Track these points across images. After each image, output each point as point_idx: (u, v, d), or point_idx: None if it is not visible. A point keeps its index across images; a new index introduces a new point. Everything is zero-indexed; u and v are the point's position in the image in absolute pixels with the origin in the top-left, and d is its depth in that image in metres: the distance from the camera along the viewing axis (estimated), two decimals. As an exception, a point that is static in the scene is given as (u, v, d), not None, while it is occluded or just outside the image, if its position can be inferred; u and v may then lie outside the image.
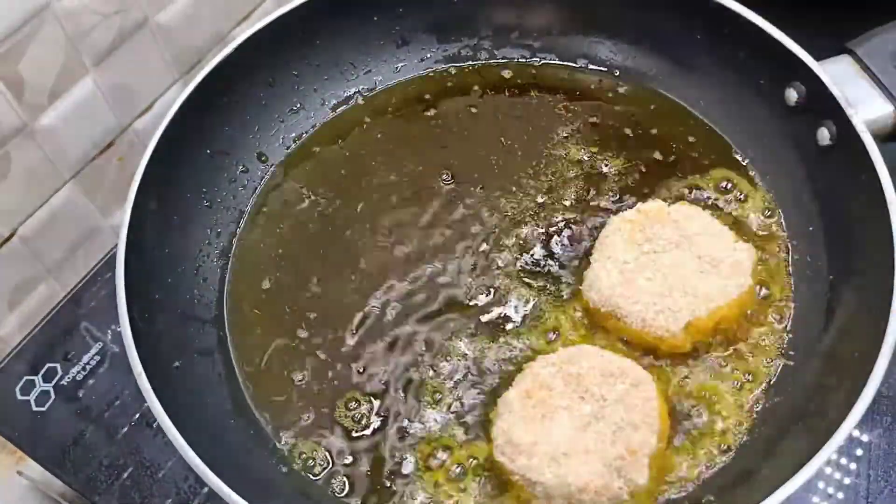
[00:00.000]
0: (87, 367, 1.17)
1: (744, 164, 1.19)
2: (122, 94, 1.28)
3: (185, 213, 1.16)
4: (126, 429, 1.12)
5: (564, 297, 1.09)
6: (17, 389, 1.15)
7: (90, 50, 1.19)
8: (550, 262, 1.13)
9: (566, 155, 1.23)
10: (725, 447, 0.98)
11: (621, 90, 1.29)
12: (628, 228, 1.07)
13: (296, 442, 1.02)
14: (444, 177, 1.22)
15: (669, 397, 1.00)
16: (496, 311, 1.09)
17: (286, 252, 1.18)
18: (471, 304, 1.10)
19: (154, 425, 1.10)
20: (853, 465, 1.06)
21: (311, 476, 1.00)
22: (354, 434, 1.03)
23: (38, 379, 1.16)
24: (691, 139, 1.22)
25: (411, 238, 1.17)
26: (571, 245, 1.14)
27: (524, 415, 0.95)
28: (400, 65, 1.33)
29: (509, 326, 1.08)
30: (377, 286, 1.13)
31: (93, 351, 1.18)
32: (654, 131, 1.24)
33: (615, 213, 1.13)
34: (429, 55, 1.33)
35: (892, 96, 1.05)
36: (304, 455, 1.01)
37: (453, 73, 1.33)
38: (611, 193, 1.19)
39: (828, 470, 1.06)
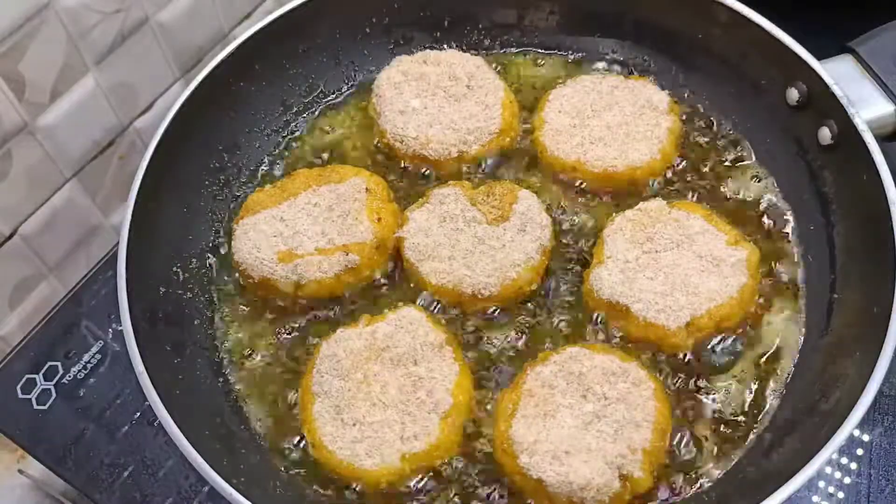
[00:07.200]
0: (88, 366, 1.17)
1: (745, 163, 1.19)
2: (122, 92, 1.28)
3: (187, 211, 1.16)
4: (127, 427, 1.13)
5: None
6: (19, 388, 1.15)
7: (91, 49, 1.19)
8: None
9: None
10: (726, 446, 0.98)
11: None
12: (630, 227, 1.07)
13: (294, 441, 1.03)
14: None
15: (670, 396, 1.00)
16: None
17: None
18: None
19: (155, 424, 1.09)
20: (854, 465, 1.06)
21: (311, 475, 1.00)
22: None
23: (39, 377, 1.16)
24: (692, 137, 1.22)
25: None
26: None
27: (526, 413, 0.95)
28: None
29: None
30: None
31: (94, 349, 1.18)
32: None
33: (617, 211, 1.13)
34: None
35: (894, 96, 1.05)
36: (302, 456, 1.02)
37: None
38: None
39: (829, 469, 1.06)
